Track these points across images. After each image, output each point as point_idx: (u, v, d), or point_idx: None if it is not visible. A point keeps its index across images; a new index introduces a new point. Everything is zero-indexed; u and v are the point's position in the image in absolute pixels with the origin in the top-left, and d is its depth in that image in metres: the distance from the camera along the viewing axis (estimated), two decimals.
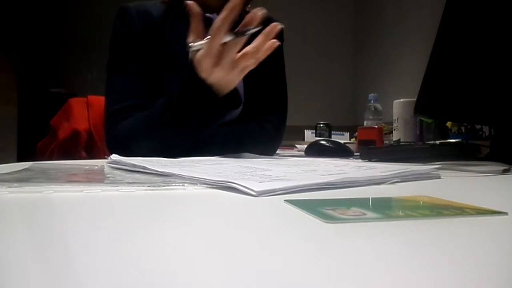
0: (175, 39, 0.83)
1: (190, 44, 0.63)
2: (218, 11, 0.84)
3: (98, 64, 0.91)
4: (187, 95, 0.65)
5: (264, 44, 0.59)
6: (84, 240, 0.17)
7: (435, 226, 0.20)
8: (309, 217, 0.21)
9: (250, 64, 0.61)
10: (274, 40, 0.59)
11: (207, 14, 0.83)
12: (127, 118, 0.78)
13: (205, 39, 0.60)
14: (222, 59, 0.60)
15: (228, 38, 0.58)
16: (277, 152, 0.94)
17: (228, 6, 0.57)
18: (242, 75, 0.63)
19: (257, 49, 0.59)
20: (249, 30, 0.58)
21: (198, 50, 0.62)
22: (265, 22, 0.95)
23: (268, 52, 0.60)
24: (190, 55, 0.64)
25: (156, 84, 0.82)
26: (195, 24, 0.63)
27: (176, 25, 0.84)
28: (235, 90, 0.65)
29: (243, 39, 0.59)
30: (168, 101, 0.67)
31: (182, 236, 0.18)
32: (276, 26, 0.58)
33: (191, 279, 0.12)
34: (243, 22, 0.59)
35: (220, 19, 0.57)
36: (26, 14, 2.81)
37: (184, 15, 0.84)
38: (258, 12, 0.58)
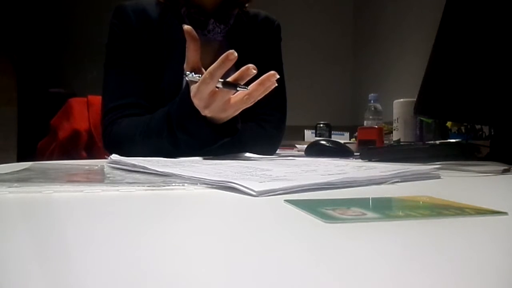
0: (172, 38, 0.83)
1: (186, 73, 0.62)
2: (212, 12, 0.85)
3: (98, 64, 0.91)
4: (183, 119, 0.65)
5: (259, 92, 0.58)
6: (84, 240, 0.17)
7: (435, 226, 0.20)
8: (309, 217, 0.21)
9: (244, 106, 0.62)
10: (271, 84, 0.58)
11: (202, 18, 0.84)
12: (124, 117, 0.79)
13: (201, 76, 0.59)
14: (212, 103, 0.60)
15: (218, 85, 0.58)
16: (277, 152, 0.94)
17: (223, 57, 0.56)
18: (236, 113, 0.64)
19: (251, 96, 0.59)
20: (239, 85, 0.57)
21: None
22: (263, 22, 0.96)
23: (263, 95, 0.60)
24: (186, 81, 0.64)
25: (153, 83, 0.82)
26: (191, 52, 0.61)
27: (173, 24, 0.84)
28: (234, 118, 0.66)
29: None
30: (167, 119, 0.68)
31: (182, 236, 0.18)
32: (273, 75, 0.58)
33: (191, 279, 0.12)
34: (238, 72, 0.58)
35: (214, 67, 0.56)
36: (26, 14, 2.81)
37: (180, 15, 0.84)
38: (252, 70, 0.57)
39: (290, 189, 0.29)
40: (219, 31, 0.85)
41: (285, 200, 0.25)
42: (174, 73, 0.82)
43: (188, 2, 0.84)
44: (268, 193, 0.28)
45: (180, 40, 0.82)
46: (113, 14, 0.86)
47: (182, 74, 0.82)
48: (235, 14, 0.88)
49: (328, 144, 0.85)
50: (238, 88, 0.57)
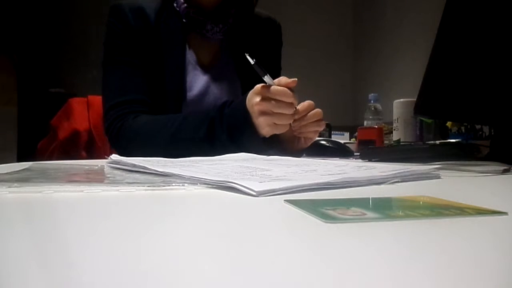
0: (170, 36, 0.83)
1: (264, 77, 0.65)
2: (211, 11, 0.85)
3: (98, 64, 0.91)
4: (233, 125, 0.67)
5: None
6: (83, 240, 0.17)
7: (435, 226, 0.20)
8: (309, 217, 0.21)
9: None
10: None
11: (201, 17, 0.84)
12: (131, 113, 0.78)
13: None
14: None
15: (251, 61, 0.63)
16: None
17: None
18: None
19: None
20: (267, 75, 0.64)
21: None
22: (265, 22, 0.96)
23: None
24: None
25: (154, 81, 0.82)
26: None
27: (170, 22, 0.84)
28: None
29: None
30: (209, 123, 0.69)
31: (182, 236, 0.18)
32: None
33: (191, 279, 0.12)
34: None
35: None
36: (26, 14, 2.80)
37: (176, 12, 0.84)
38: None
39: (290, 189, 0.29)
40: (217, 30, 0.85)
41: (285, 200, 0.25)
42: (174, 70, 0.82)
43: (187, 1, 0.84)
44: (268, 193, 0.28)
45: (178, 38, 0.82)
46: (109, 13, 0.85)
47: (181, 71, 0.82)
48: (234, 13, 0.88)
49: (328, 144, 0.85)
50: (265, 77, 0.63)
